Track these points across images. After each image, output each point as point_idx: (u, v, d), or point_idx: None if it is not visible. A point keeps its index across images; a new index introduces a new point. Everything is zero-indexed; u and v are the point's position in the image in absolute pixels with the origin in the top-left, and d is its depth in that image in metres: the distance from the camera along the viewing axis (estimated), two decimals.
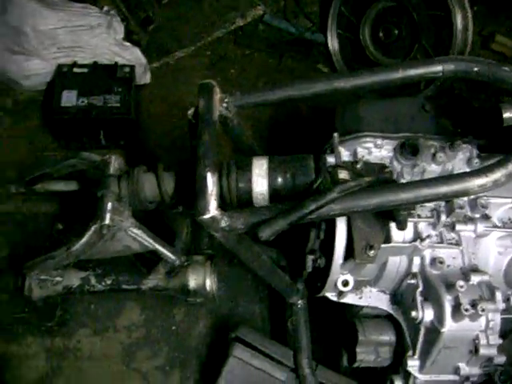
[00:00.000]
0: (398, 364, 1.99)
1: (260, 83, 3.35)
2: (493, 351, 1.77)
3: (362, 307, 2.06)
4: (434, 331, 1.79)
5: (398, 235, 1.85)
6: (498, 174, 1.47)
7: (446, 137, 2.03)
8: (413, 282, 1.88)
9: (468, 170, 1.95)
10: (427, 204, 1.90)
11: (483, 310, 1.72)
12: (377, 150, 1.99)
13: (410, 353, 1.89)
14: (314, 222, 1.91)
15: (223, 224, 1.52)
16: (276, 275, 1.98)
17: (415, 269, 1.89)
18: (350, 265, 1.85)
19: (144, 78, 3.21)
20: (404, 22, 3.09)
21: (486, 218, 1.92)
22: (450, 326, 1.75)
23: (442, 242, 1.88)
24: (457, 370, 1.86)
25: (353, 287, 1.91)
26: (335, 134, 1.95)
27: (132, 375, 2.36)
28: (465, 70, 1.73)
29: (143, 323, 2.47)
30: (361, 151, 1.98)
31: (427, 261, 1.87)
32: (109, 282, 2.19)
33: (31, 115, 3.09)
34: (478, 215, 1.91)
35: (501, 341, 1.77)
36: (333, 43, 3.42)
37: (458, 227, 1.89)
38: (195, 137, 1.67)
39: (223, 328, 2.41)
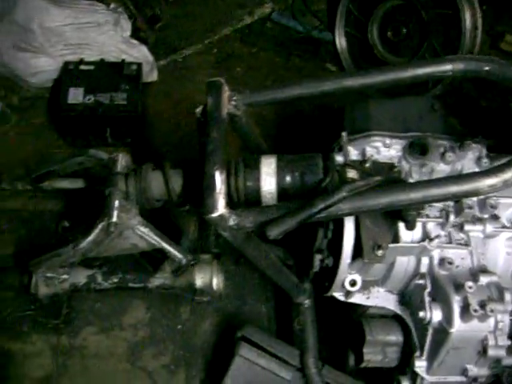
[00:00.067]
0: (405, 365, 1.98)
1: (267, 82, 3.34)
2: (501, 352, 1.76)
3: (369, 307, 2.05)
4: (442, 332, 1.78)
5: (406, 235, 1.83)
6: (508, 174, 1.46)
7: (454, 136, 2.03)
8: (421, 282, 1.87)
9: (477, 169, 1.95)
10: (436, 204, 1.89)
11: (492, 311, 1.70)
12: (385, 149, 1.98)
13: (418, 353, 1.88)
14: (322, 221, 1.91)
15: (231, 222, 1.52)
16: (283, 274, 1.97)
17: (423, 269, 1.87)
18: (358, 264, 1.85)
19: (151, 75, 3.21)
20: (412, 20, 3.07)
21: (495, 218, 1.90)
22: (458, 326, 1.73)
23: (450, 243, 1.87)
24: (465, 371, 1.85)
25: (360, 287, 1.90)
26: (344, 133, 1.94)
27: (137, 374, 2.35)
28: (475, 69, 1.72)
29: (149, 322, 2.46)
30: (369, 150, 1.97)
31: (436, 261, 1.86)
32: (115, 280, 2.19)
33: (38, 112, 3.09)
34: (486, 215, 1.90)
35: (509, 342, 1.76)
36: (340, 42, 3.40)
37: (467, 227, 1.87)
38: (203, 135, 1.66)
39: (229, 327, 2.40)
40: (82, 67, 2.98)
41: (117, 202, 1.85)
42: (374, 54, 3.28)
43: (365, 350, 2.02)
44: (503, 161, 1.56)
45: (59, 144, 2.98)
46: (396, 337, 2.01)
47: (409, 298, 1.96)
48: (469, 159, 1.98)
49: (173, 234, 2.10)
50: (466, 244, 1.88)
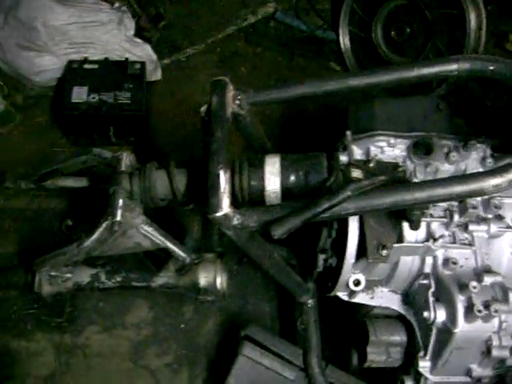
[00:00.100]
0: (408, 365, 1.98)
1: (271, 81, 3.33)
2: (505, 353, 1.75)
3: (373, 307, 2.05)
4: (446, 332, 1.77)
5: (410, 235, 1.83)
6: None
7: (459, 136, 2.02)
8: (425, 282, 1.87)
9: (481, 169, 1.94)
10: (440, 204, 1.89)
11: (496, 311, 1.70)
12: (390, 148, 1.98)
13: (422, 353, 1.88)
14: (326, 221, 1.90)
15: (235, 222, 1.52)
16: (286, 274, 1.97)
17: (427, 269, 1.87)
18: (362, 264, 1.85)
19: (154, 74, 3.21)
20: (417, 20, 3.06)
21: (500, 218, 1.90)
22: (462, 326, 1.73)
23: (454, 243, 1.87)
24: (468, 372, 1.85)
25: (364, 287, 1.90)
26: (348, 133, 1.94)
27: (140, 373, 2.35)
28: (480, 68, 1.72)
29: (152, 321, 2.47)
30: (374, 150, 1.97)
31: (440, 261, 1.85)
32: (119, 279, 2.19)
33: (41, 111, 3.09)
34: (491, 215, 1.90)
35: None
36: (344, 41, 3.39)
37: (471, 227, 1.87)
38: (208, 134, 1.66)
39: (232, 326, 2.40)
40: (86, 66, 2.98)
41: (121, 201, 1.85)
42: (377, 54, 3.26)
43: (369, 350, 2.02)
44: (508, 160, 1.55)
45: (63, 143, 2.98)
46: (400, 337, 2.01)
47: (413, 297, 1.96)
48: (473, 159, 1.98)
49: (177, 233, 2.10)
50: (470, 244, 1.87)
